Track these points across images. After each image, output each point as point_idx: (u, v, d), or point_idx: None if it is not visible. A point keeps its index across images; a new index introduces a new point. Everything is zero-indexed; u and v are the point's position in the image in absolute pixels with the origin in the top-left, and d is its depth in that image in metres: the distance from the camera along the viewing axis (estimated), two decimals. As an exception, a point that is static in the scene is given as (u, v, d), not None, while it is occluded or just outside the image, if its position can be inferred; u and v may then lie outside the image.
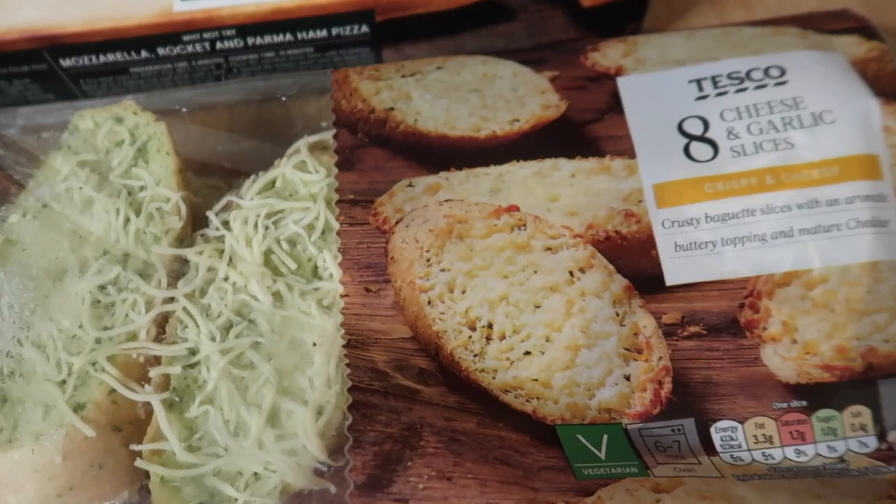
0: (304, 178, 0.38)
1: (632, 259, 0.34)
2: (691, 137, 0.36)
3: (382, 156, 0.38)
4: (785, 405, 0.31)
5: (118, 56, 0.44)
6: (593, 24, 0.46)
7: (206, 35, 0.43)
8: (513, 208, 0.36)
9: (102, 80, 0.46)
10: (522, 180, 0.36)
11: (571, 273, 0.34)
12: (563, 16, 0.46)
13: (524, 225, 0.35)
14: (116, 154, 0.39)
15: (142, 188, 0.38)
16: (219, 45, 0.44)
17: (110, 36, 0.43)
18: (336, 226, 0.36)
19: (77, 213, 0.37)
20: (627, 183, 0.35)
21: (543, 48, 0.41)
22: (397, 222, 0.36)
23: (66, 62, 0.44)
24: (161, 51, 0.44)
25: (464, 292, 0.34)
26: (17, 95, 0.46)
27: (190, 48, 0.44)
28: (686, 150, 0.35)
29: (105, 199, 0.37)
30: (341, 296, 0.34)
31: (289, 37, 0.45)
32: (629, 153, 0.36)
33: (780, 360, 0.31)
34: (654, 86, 0.37)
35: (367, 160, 0.38)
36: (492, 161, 0.37)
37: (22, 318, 0.35)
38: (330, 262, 0.35)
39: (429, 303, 0.34)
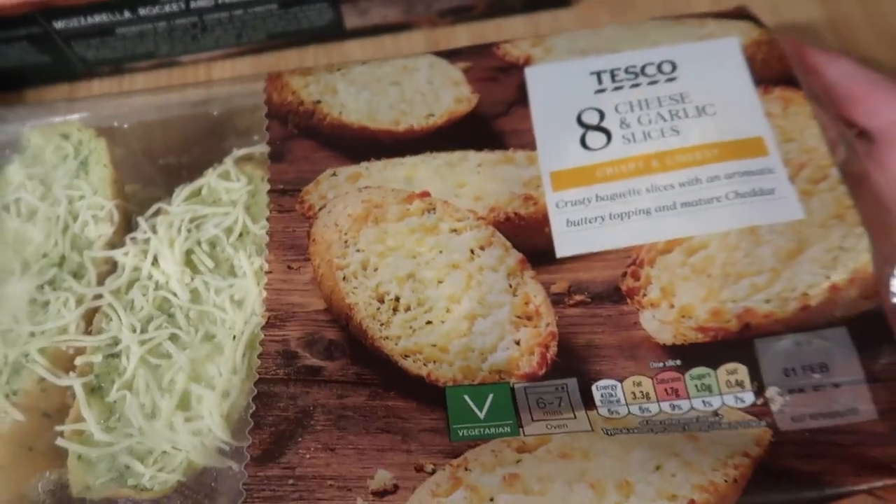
0: (226, 186, 0.42)
1: (528, 237, 0.38)
2: (588, 127, 0.40)
3: (310, 147, 0.42)
4: (661, 364, 0.34)
5: (104, 17, 0.49)
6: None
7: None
8: (424, 194, 0.39)
9: (92, 42, 0.51)
10: (435, 169, 0.40)
11: (472, 251, 0.37)
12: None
13: (433, 209, 0.39)
14: (61, 167, 0.43)
15: (81, 197, 0.42)
16: (193, 4, 0.49)
17: None
18: (254, 228, 0.40)
19: (21, 221, 0.42)
20: (528, 171, 0.39)
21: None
22: (321, 209, 0.40)
23: (59, 24, 0.49)
24: (142, 11, 0.49)
25: (376, 270, 0.38)
26: (16, 58, 0.51)
27: (167, 7, 0.49)
28: (582, 140, 0.39)
29: (48, 207, 0.42)
30: (265, 272, 0.38)
31: None
32: (531, 146, 0.40)
33: (658, 324, 0.35)
34: (558, 76, 0.42)
35: (296, 151, 0.42)
36: (408, 152, 0.41)
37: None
38: (244, 262, 0.39)
39: (343, 279, 0.37)
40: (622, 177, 0.38)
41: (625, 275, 0.36)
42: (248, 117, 0.46)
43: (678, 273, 0.36)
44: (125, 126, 0.46)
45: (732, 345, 0.35)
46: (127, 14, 0.49)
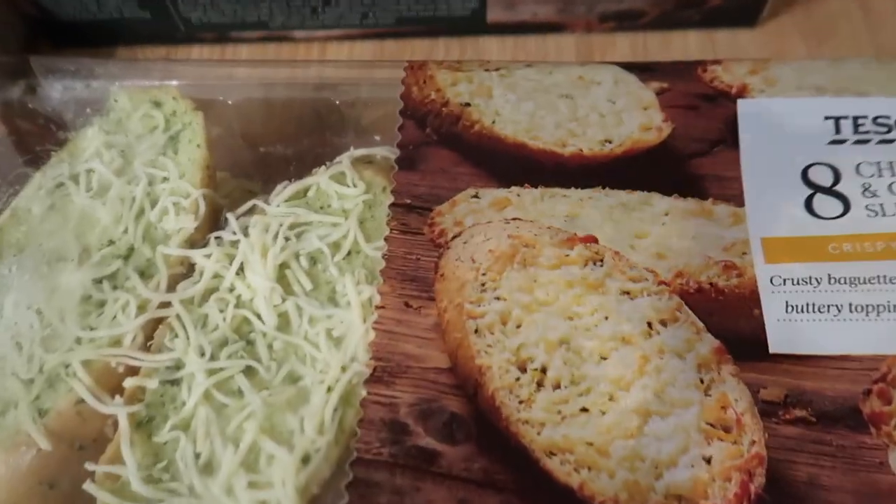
0: (339, 190, 0.35)
1: (727, 317, 0.29)
2: (817, 188, 0.31)
3: (450, 158, 0.35)
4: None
5: None
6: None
7: None
8: (590, 239, 0.32)
9: (200, 1, 0.45)
10: (606, 210, 0.32)
11: (650, 325, 0.29)
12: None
13: (601, 260, 0.31)
14: (147, 139, 0.37)
15: (164, 179, 0.36)
16: None
17: None
18: (367, 248, 0.33)
19: (90, 196, 0.35)
20: (732, 231, 0.31)
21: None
22: (455, 237, 0.32)
23: None
24: None
25: (518, 327, 0.30)
26: (113, 9, 0.46)
27: None
28: (808, 203, 0.31)
29: (122, 184, 0.36)
30: (376, 307, 0.31)
31: None
32: (737, 199, 0.32)
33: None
34: (781, 115, 0.34)
35: (431, 161, 0.35)
36: (573, 183, 0.33)
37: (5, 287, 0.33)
38: (350, 289, 0.32)
39: (476, 331, 0.30)
40: (867, 257, 0.29)
41: (868, 393, 0.27)
42: (374, 111, 0.40)
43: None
44: (228, 102, 0.40)
45: None
46: None
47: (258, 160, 0.41)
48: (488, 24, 0.47)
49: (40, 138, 0.39)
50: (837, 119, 0.33)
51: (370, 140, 0.40)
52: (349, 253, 0.34)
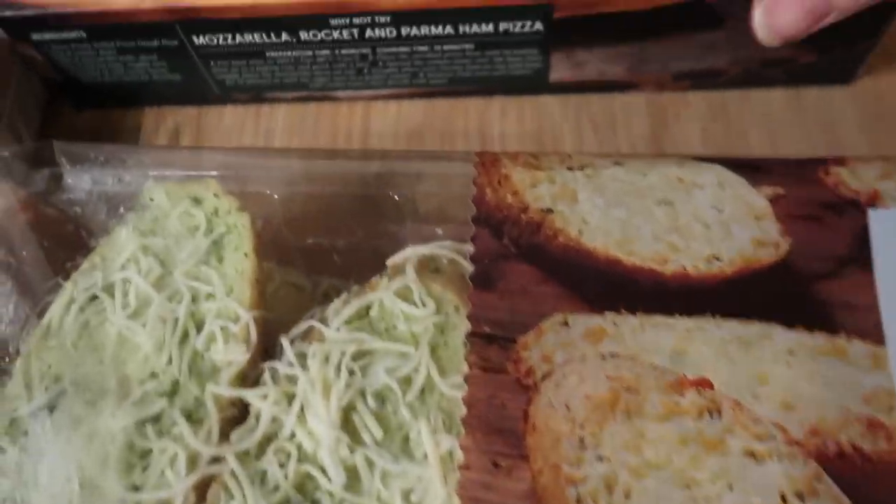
0: (406, 310, 0.31)
1: (880, 492, 0.25)
2: (972, 321, 0.27)
3: (532, 275, 0.31)
4: None
5: (255, 37, 0.40)
6: (815, 40, 0.36)
7: (356, 20, 0.39)
8: (703, 383, 0.28)
9: (235, 63, 0.42)
10: (719, 345, 0.28)
11: (784, 499, 0.25)
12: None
13: (718, 411, 0.27)
14: (187, 243, 0.33)
15: (209, 296, 0.32)
16: (368, 34, 0.39)
17: (251, 14, 0.39)
18: (442, 385, 0.29)
19: (128, 315, 0.32)
20: (871, 377, 0.27)
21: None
22: (545, 377, 0.28)
23: (199, 40, 0.40)
24: (304, 34, 0.40)
25: (628, 497, 0.26)
26: (142, 73, 0.43)
27: (336, 34, 0.40)
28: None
29: (164, 301, 0.32)
30: (459, 467, 0.27)
31: (448, 29, 0.39)
32: (875, 335, 0.28)
33: None
34: (919, 232, 0.29)
35: (511, 278, 0.31)
36: (678, 309, 0.29)
37: (39, 449, 0.29)
38: (426, 438, 0.28)
39: (578, 501, 0.26)
40: None
41: None
42: (432, 199, 0.36)
43: None
44: (275, 196, 0.36)
45: None
46: (284, 36, 0.40)
47: (305, 251, 0.37)
48: (550, 83, 0.43)
49: (68, 245, 0.35)
50: None
51: (430, 232, 0.36)
52: (422, 391, 0.30)
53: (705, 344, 0.29)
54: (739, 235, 0.30)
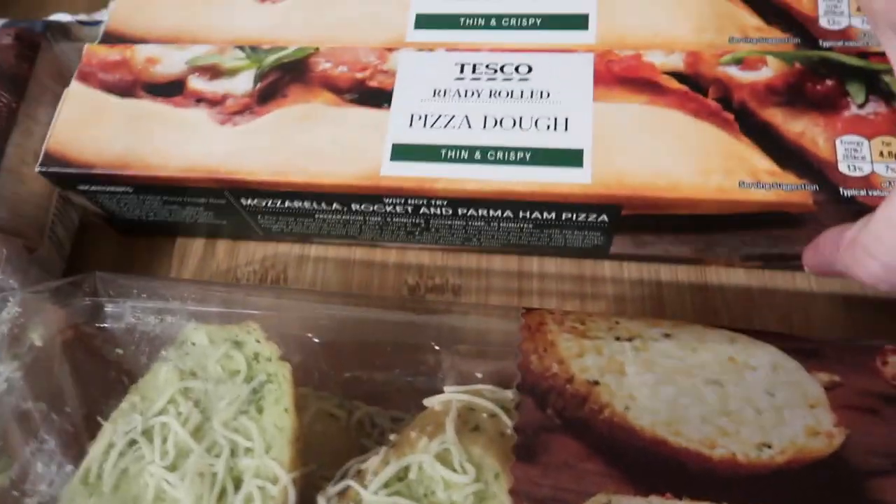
0: (446, 476, 0.31)
1: None
2: None
3: (576, 450, 0.30)
4: None
5: (305, 204, 0.41)
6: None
7: (411, 200, 0.39)
8: (752, 585, 0.27)
9: (282, 218, 0.43)
10: (768, 540, 0.27)
11: None
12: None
13: None
14: (228, 388, 0.34)
15: (248, 451, 0.32)
16: (423, 211, 0.40)
17: (303, 189, 0.40)
18: None
19: (166, 464, 0.32)
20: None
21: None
22: (587, 566, 0.28)
23: (248, 202, 0.42)
24: (356, 206, 0.40)
25: None
26: (187, 216, 0.44)
27: (389, 208, 0.40)
28: None
29: (202, 453, 0.32)
30: None
31: (507, 213, 0.39)
32: (937, 540, 0.26)
33: None
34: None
35: (554, 452, 0.30)
36: (725, 497, 0.29)
37: None
38: None
39: None
40: None
41: None
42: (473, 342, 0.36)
43: None
44: (315, 340, 0.36)
45: None
46: (335, 205, 0.40)
47: (343, 383, 0.38)
48: (610, 253, 0.43)
49: (106, 386, 0.36)
50: None
51: (468, 375, 0.36)
52: (464, 570, 0.30)
53: (753, 539, 0.28)
54: (792, 423, 0.30)
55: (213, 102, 0.42)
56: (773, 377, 0.31)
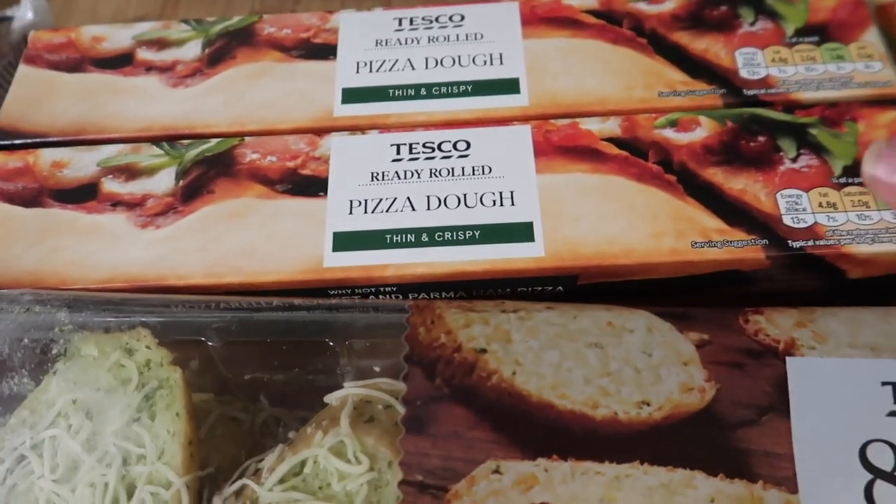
0: (340, 468, 0.32)
1: None
2: (877, 473, 0.29)
3: (464, 418, 0.32)
4: None
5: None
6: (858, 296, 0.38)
7: (358, 290, 0.38)
8: (631, 534, 0.29)
9: None
10: (645, 493, 0.30)
11: None
12: (817, 284, 0.38)
13: (644, 564, 0.29)
14: (118, 397, 0.33)
15: (140, 458, 0.32)
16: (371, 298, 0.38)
17: (239, 289, 0.38)
18: None
19: (56, 477, 0.32)
20: (788, 528, 0.29)
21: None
22: (477, 530, 0.29)
23: None
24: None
25: None
26: None
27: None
28: (868, 493, 0.29)
29: (94, 464, 0.32)
30: None
31: (461, 293, 0.38)
32: (790, 485, 0.30)
33: None
34: (834, 379, 0.32)
35: (443, 421, 0.32)
36: (608, 456, 0.31)
37: None
38: None
39: None
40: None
41: None
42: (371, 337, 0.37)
43: None
44: (210, 343, 0.36)
45: None
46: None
47: (243, 385, 0.38)
48: None
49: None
50: (895, 386, 0.31)
51: (367, 368, 0.37)
52: (358, 558, 0.31)
53: (633, 491, 0.30)
54: (668, 381, 0.32)
55: (132, 205, 0.40)
56: (649, 338, 0.33)
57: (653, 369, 0.32)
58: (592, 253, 0.37)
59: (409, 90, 0.42)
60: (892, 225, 0.37)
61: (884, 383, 0.31)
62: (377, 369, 0.36)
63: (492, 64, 0.42)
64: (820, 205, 0.38)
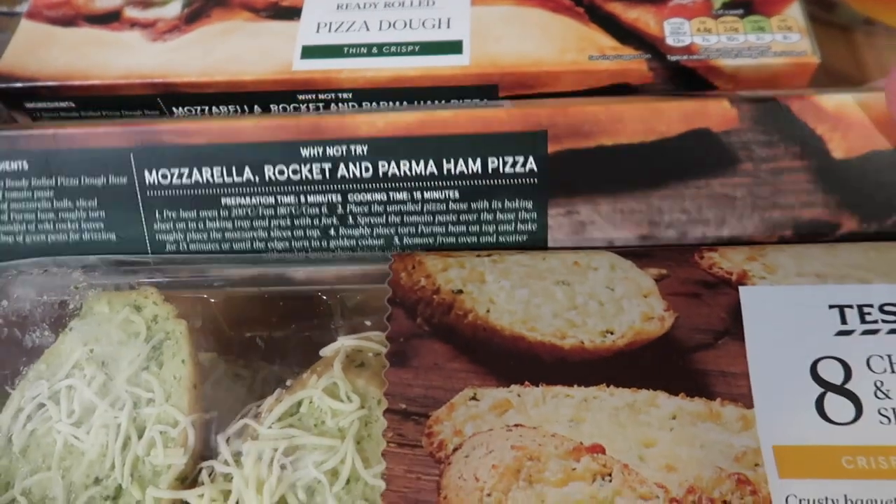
0: (333, 406, 0.35)
1: (745, 544, 0.30)
2: (827, 387, 0.32)
3: (444, 352, 0.35)
4: None
5: (215, 174, 0.40)
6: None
7: (329, 151, 0.40)
8: (597, 449, 0.32)
9: (183, 215, 0.41)
10: (611, 413, 0.33)
11: (666, 553, 0.30)
12: (806, 171, 0.38)
13: (609, 475, 0.31)
14: (129, 349, 0.37)
15: (149, 401, 0.36)
16: (341, 171, 0.40)
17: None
18: (366, 475, 0.33)
19: (73, 422, 0.35)
20: (741, 439, 0.32)
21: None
22: (456, 449, 0.32)
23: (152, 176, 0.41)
24: (269, 171, 0.40)
25: (529, 558, 0.30)
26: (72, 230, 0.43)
27: (305, 170, 0.40)
28: (819, 405, 0.32)
29: (107, 408, 0.35)
30: (380, 539, 0.31)
31: (431, 168, 0.40)
32: (745, 400, 0.32)
33: None
34: (785, 304, 0.34)
35: (424, 355, 0.35)
36: (576, 380, 0.34)
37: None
38: None
39: (485, 564, 0.30)
40: (884, 475, 0.30)
41: None
42: (358, 294, 0.40)
43: None
44: (211, 300, 0.40)
45: None
46: (247, 174, 0.40)
47: (244, 343, 0.42)
48: (549, 247, 0.41)
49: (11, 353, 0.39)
50: (842, 308, 0.34)
51: (359, 324, 0.40)
52: (348, 481, 0.34)
53: (600, 411, 0.33)
54: (630, 311, 0.35)
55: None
56: (612, 274, 0.36)
57: (616, 302, 0.35)
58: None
59: (362, 48, 0.47)
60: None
61: (831, 306, 0.34)
62: (368, 323, 0.40)
63: (440, 27, 0.47)
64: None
